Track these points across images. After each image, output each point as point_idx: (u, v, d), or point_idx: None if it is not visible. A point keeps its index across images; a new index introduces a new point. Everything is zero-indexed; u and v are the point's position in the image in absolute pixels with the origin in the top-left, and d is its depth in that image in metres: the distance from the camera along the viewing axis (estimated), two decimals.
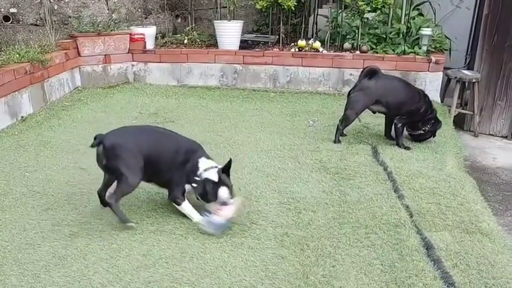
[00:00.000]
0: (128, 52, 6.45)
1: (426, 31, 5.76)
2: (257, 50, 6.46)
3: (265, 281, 2.41)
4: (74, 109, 5.41)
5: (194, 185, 2.90)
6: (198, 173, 2.91)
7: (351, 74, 5.99)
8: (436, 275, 2.41)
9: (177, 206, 3.03)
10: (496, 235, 2.83)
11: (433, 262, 2.50)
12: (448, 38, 6.26)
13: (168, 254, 2.65)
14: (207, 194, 2.87)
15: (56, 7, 6.25)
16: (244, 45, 6.77)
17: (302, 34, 6.77)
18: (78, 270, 2.50)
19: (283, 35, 6.61)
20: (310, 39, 6.46)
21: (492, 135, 5.55)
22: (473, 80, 5.40)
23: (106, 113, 5.35)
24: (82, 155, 4.10)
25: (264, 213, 3.09)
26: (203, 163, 2.94)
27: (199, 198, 2.95)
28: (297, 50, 6.24)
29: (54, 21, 6.19)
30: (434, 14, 6.55)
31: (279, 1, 6.00)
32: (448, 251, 2.63)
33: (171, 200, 3.04)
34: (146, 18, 7.18)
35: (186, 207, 3.01)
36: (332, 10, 6.71)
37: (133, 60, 6.50)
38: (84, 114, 5.25)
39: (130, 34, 6.40)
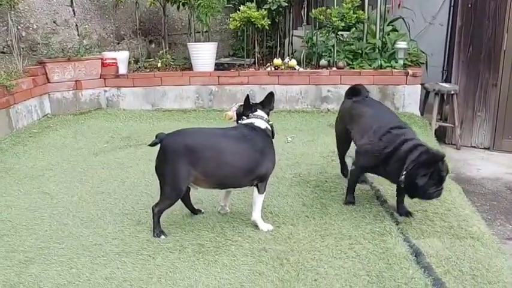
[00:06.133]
0: (100, 77, 6.25)
1: (402, 44, 5.73)
2: (232, 70, 6.34)
3: None
4: (42, 136, 5.16)
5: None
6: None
7: (328, 91, 5.89)
8: (428, 282, 2.21)
9: (261, 196, 2.85)
10: (488, 239, 2.66)
11: (423, 269, 2.32)
12: (423, 52, 6.26)
13: (134, 276, 2.40)
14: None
15: (24, 34, 6.07)
16: (220, 68, 6.66)
17: (277, 55, 6.70)
18: None
19: (258, 55, 6.52)
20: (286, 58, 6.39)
21: (474, 147, 5.47)
22: (452, 92, 5.35)
23: (76, 138, 5.11)
24: (47, 180, 3.86)
25: (239, 229, 2.87)
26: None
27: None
28: (273, 69, 6.14)
29: (22, 48, 5.99)
30: (409, 30, 6.57)
31: (252, 20, 5.92)
32: (439, 257, 2.45)
33: (262, 193, 2.84)
34: (119, 43, 7.03)
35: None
36: (307, 31, 6.69)
37: (105, 86, 6.31)
38: (52, 141, 5.00)
39: (101, 59, 6.23)
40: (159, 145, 2.71)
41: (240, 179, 2.75)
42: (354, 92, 3.47)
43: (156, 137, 2.71)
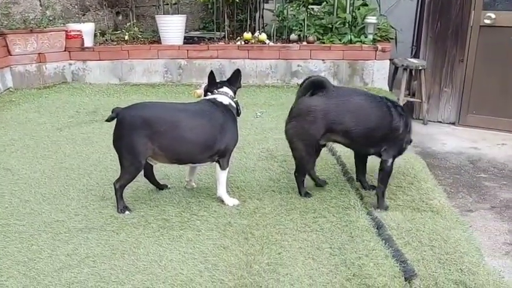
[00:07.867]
0: (65, 50, 6.05)
1: (371, 19, 5.72)
2: (202, 44, 6.23)
3: (204, 274, 2.17)
4: (4, 110, 4.99)
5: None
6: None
7: (298, 65, 5.87)
8: (388, 253, 2.26)
9: (224, 171, 2.82)
10: (448, 212, 2.73)
11: (384, 241, 2.36)
12: (393, 27, 6.27)
13: (97, 252, 2.37)
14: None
15: None
16: (190, 42, 6.53)
17: (248, 29, 6.60)
18: None
19: (228, 29, 6.41)
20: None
21: (440, 122, 5.55)
22: (420, 68, 5.38)
23: (39, 113, 4.96)
24: (8, 156, 3.75)
25: (205, 203, 2.86)
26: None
27: None
28: (243, 43, 6.06)
29: None
30: (379, 5, 6.55)
31: None
32: (400, 229, 2.50)
33: (224, 169, 2.81)
34: (84, 15, 6.80)
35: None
36: (278, 5, 6.61)
37: (70, 59, 6.11)
38: (15, 115, 4.85)
39: (66, 31, 6.01)
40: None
41: (197, 154, 2.72)
42: (317, 85, 2.75)
43: (113, 111, 2.65)
